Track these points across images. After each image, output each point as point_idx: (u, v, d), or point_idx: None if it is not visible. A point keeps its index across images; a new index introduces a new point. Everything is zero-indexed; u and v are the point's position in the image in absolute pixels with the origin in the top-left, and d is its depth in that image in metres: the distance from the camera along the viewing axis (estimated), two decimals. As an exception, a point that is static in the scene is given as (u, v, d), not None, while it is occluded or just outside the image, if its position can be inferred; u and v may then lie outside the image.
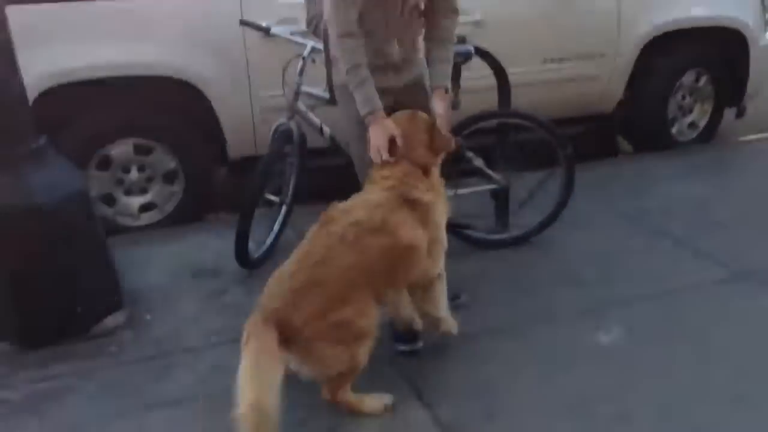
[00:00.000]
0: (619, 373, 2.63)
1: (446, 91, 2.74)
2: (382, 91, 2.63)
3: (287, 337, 2.15)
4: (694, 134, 5.14)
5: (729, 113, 5.25)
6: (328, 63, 2.94)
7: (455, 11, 2.73)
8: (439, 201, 2.56)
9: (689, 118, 5.11)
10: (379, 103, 2.58)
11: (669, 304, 3.06)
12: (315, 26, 3.31)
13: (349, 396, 2.38)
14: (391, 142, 2.53)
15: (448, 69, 2.75)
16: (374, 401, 2.43)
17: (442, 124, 2.67)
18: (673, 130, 5.04)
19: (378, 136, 2.53)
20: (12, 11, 2.73)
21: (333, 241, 2.29)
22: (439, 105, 2.71)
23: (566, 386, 2.55)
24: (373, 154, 2.54)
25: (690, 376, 2.61)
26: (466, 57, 3.20)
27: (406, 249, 2.38)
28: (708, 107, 5.11)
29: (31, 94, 3.05)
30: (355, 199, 2.47)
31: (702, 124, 5.15)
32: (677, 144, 5.04)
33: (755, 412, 2.42)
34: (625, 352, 2.76)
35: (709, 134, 5.19)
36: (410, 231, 2.39)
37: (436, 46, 2.74)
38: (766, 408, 2.44)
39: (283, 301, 2.21)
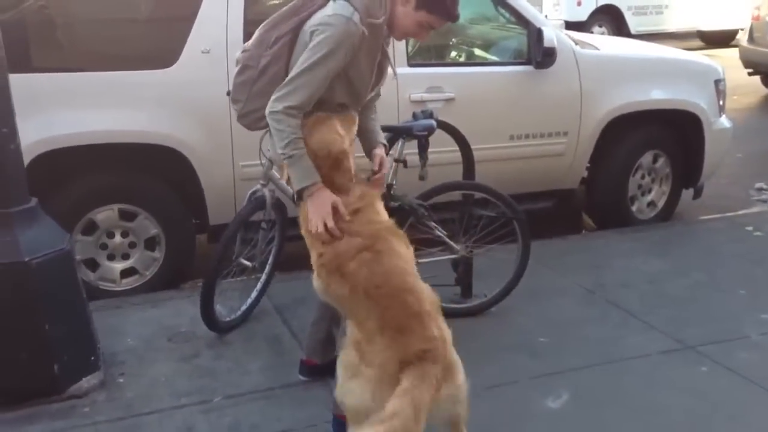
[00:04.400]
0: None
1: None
2: None
3: None
4: (653, 213, 5.26)
5: (687, 194, 5.41)
6: None
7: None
8: None
9: (648, 198, 5.25)
10: (318, 175, 2.52)
11: (616, 372, 3.24)
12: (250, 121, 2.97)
13: None
14: (335, 210, 2.45)
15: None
16: None
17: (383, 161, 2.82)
18: (634, 208, 5.17)
19: (324, 203, 2.46)
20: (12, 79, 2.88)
21: None
22: (380, 149, 2.86)
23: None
24: (318, 224, 2.44)
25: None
26: (429, 130, 3.41)
27: None
28: (666, 188, 5.25)
29: (26, 158, 3.17)
30: None
31: (660, 204, 5.28)
32: (637, 222, 5.16)
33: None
34: (572, 417, 2.92)
35: (667, 214, 5.32)
36: None
37: (373, 118, 2.93)
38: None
39: None
